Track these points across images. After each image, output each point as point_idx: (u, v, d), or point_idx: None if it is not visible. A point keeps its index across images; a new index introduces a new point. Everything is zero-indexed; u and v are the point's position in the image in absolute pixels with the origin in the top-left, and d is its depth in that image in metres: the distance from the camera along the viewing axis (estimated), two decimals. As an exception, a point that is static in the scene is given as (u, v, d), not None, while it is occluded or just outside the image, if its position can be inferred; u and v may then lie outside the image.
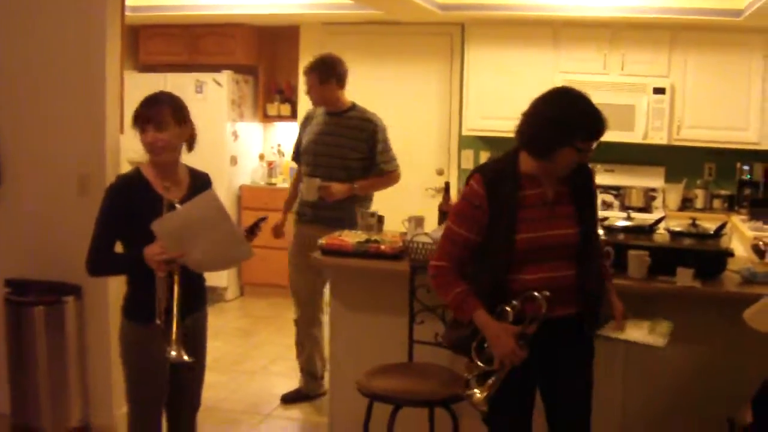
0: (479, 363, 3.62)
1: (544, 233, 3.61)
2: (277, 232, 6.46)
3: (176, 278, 3.80)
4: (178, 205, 3.83)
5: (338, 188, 5.91)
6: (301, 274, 6.20)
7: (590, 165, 3.85)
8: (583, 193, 3.75)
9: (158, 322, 3.81)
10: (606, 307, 3.84)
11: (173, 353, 3.74)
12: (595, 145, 3.55)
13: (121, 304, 4.05)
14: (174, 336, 3.75)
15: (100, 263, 3.94)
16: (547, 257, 3.62)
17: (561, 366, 3.75)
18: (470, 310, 3.63)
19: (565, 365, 3.76)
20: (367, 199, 6.14)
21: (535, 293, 3.54)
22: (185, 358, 3.76)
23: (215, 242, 3.82)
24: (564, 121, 3.53)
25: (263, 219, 4.21)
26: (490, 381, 3.59)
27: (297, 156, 6.33)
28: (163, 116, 3.85)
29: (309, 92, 6.17)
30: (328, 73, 6.04)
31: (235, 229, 3.93)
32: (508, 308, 3.57)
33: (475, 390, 3.60)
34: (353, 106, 6.15)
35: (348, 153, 5.97)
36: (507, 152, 3.72)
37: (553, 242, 3.62)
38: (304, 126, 6.33)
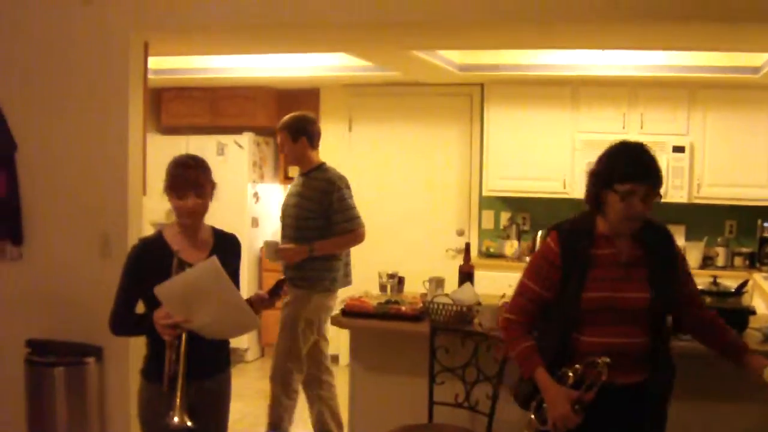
0: (537, 422, 3.64)
1: (614, 294, 3.57)
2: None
3: (183, 343, 3.80)
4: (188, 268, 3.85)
5: (294, 250, 5.88)
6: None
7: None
8: (661, 256, 3.66)
9: (164, 387, 3.82)
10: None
11: (176, 419, 3.74)
12: (641, 191, 3.48)
13: (141, 364, 4.06)
14: (178, 401, 3.75)
15: (121, 324, 3.97)
16: (617, 320, 3.57)
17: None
18: (533, 367, 3.65)
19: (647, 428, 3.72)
20: (332, 259, 6.00)
21: (597, 359, 3.50)
22: (188, 424, 3.75)
23: (219, 309, 3.81)
24: (601, 165, 3.60)
25: (284, 280, 4.22)
26: None
27: None
28: (201, 181, 3.91)
29: (281, 150, 6.22)
30: (300, 131, 6.05)
31: (238, 297, 3.86)
32: (570, 372, 3.56)
33: None
34: (320, 166, 6.11)
35: (306, 213, 5.95)
36: (584, 212, 3.73)
37: (622, 305, 3.57)
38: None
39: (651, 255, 3.63)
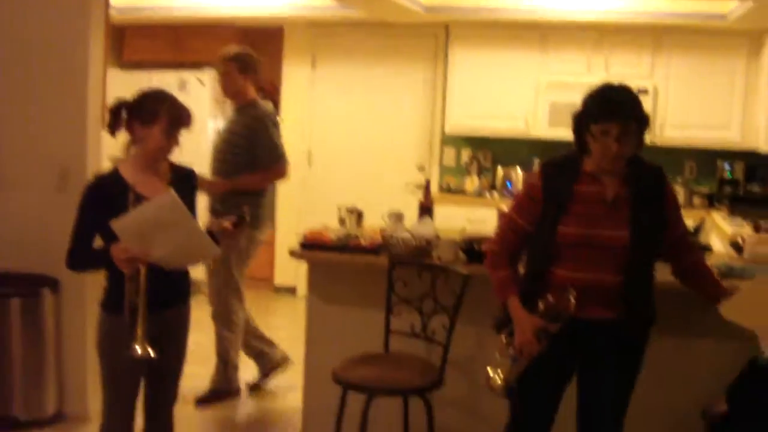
0: (505, 347, 3.70)
1: (591, 231, 3.59)
2: None
3: (143, 275, 3.79)
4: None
5: (214, 184, 5.90)
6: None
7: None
8: (647, 196, 3.66)
9: (125, 318, 3.81)
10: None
11: (138, 350, 3.74)
12: (614, 130, 3.49)
13: (100, 296, 4.05)
14: (139, 332, 3.75)
15: (78, 259, 3.92)
16: (592, 257, 3.59)
17: (600, 369, 3.75)
18: (507, 295, 3.73)
19: (604, 369, 3.75)
20: (258, 195, 6.05)
21: (567, 292, 3.55)
22: (151, 354, 3.76)
23: (178, 240, 3.79)
24: (580, 108, 3.63)
25: (245, 212, 4.23)
26: (511, 367, 3.67)
27: None
28: None
29: (223, 81, 6.08)
30: (249, 67, 6.02)
31: (197, 228, 3.84)
32: (540, 302, 3.61)
33: (496, 375, 3.67)
34: (252, 102, 6.08)
35: (232, 149, 5.93)
36: (573, 150, 3.73)
37: (599, 241, 3.59)
38: None
39: (637, 195, 3.64)
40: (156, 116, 3.84)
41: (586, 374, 3.79)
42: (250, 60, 6.02)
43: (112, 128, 3.91)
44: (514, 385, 3.70)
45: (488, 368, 3.71)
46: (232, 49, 6.11)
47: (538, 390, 3.79)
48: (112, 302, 3.91)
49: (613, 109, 3.52)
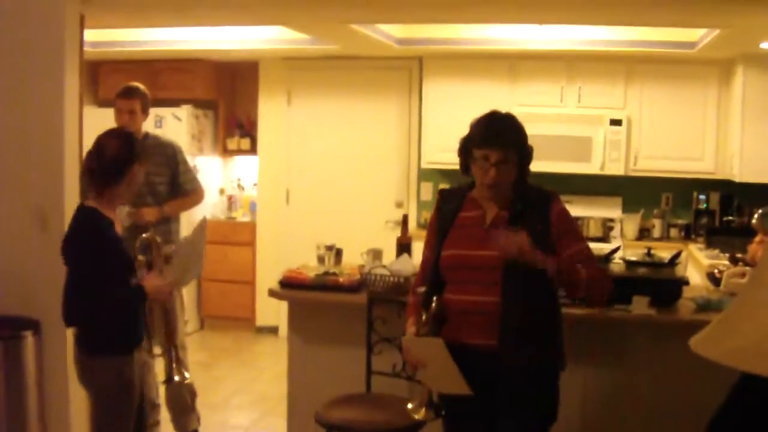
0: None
1: (467, 252, 3.66)
2: None
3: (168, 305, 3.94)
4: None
5: (149, 212, 5.84)
6: None
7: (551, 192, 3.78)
8: (528, 219, 3.62)
9: (155, 352, 3.92)
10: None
11: (177, 378, 3.87)
12: (492, 156, 3.56)
13: (88, 343, 4.01)
14: (175, 359, 3.89)
15: (116, 304, 3.94)
16: (472, 278, 3.62)
17: (499, 400, 3.67)
18: (406, 318, 3.88)
19: (502, 399, 3.66)
20: (176, 221, 6.17)
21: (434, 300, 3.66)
22: (186, 376, 3.91)
23: (192, 261, 3.90)
24: (466, 135, 3.74)
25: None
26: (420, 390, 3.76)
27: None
28: None
29: (128, 118, 5.94)
30: (148, 102, 6.07)
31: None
32: (423, 314, 3.68)
33: (415, 405, 3.75)
34: (147, 134, 6.09)
35: (153, 179, 5.84)
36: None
37: (474, 263, 3.63)
38: None
39: (514, 216, 3.65)
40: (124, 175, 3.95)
41: (489, 406, 3.70)
42: (147, 96, 6.09)
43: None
44: (437, 403, 3.70)
45: (407, 406, 3.79)
46: (139, 86, 6.11)
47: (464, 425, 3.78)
48: (126, 341, 3.93)
49: (493, 136, 3.61)
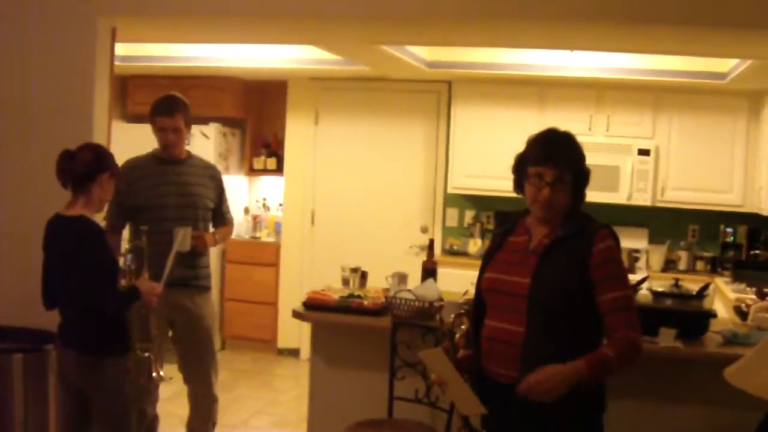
0: None
1: (501, 276, 3.58)
2: None
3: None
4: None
5: (209, 238, 5.53)
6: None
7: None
8: (568, 249, 3.47)
9: (146, 352, 4.08)
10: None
11: (162, 374, 4.03)
12: (547, 175, 3.46)
13: (96, 345, 4.12)
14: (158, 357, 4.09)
15: (114, 303, 4.24)
16: (503, 304, 3.53)
17: None
18: None
19: None
20: (207, 254, 5.68)
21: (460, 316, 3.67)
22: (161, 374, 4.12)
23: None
24: (521, 152, 3.64)
25: None
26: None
27: (125, 214, 5.44)
28: None
29: (174, 137, 5.40)
30: (189, 114, 5.52)
31: None
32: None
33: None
34: (191, 154, 5.64)
35: (208, 203, 5.55)
36: None
37: (504, 288, 3.54)
38: (130, 179, 5.27)
39: (554, 245, 3.51)
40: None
41: None
42: (188, 110, 5.54)
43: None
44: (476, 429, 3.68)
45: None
46: (179, 98, 5.55)
47: None
48: (121, 341, 4.09)
49: (548, 153, 3.50)
